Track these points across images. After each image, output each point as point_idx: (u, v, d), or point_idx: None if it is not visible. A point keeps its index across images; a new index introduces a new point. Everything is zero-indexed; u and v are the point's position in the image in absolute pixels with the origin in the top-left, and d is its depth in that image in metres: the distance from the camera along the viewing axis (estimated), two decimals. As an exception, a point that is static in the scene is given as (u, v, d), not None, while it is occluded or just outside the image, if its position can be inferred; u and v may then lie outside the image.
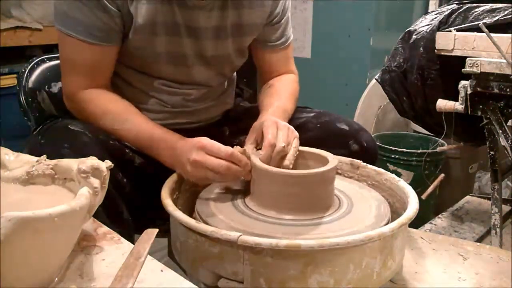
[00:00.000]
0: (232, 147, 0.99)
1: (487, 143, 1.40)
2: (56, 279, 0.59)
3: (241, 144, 1.05)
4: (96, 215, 0.74)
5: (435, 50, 1.41)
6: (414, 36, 1.47)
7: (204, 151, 0.86)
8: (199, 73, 1.09)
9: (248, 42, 1.14)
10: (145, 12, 0.97)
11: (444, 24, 1.41)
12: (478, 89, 1.31)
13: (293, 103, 1.14)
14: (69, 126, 0.91)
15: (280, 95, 1.13)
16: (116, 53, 1.02)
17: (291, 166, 0.90)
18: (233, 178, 0.88)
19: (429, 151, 2.01)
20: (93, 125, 0.96)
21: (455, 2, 1.48)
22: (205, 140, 0.87)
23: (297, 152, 0.92)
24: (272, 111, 1.05)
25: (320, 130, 1.10)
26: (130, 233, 0.89)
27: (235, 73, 1.26)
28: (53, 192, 0.65)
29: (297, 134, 0.93)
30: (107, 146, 0.91)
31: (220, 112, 1.19)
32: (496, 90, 1.29)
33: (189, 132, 1.02)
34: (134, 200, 0.92)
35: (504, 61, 1.24)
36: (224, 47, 1.09)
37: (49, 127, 0.99)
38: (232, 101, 1.24)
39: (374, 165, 1.02)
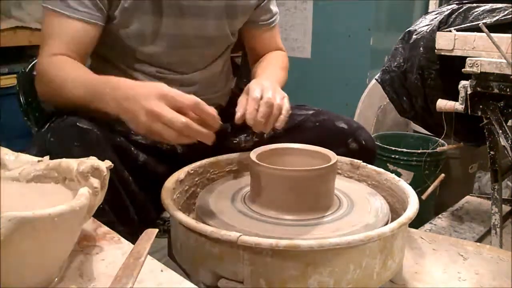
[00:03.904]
0: (232, 145, 0.98)
1: (487, 143, 1.40)
2: (56, 279, 0.59)
3: (240, 143, 1.04)
4: (103, 214, 0.73)
5: (435, 50, 1.41)
6: (414, 36, 1.47)
7: (164, 101, 0.76)
8: (187, 53, 1.09)
9: (241, 23, 1.16)
10: None
11: (444, 24, 1.41)
12: (478, 89, 1.31)
13: (283, 72, 1.16)
14: (77, 123, 0.91)
15: (271, 66, 1.15)
16: (98, 34, 1.00)
17: (280, 128, 0.88)
18: (192, 139, 0.78)
19: (429, 151, 2.01)
20: (50, 94, 0.95)
21: (455, 2, 1.48)
22: (166, 88, 0.78)
23: (289, 112, 0.90)
24: (263, 77, 1.05)
25: (319, 129, 1.10)
26: (136, 231, 0.89)
27: (231, 68, 1.25)
28: (53, 192, 0.65)
29: (284, 94, 0.91)
30: (114, 143, 0.91)
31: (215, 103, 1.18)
32: (496, 90, 1.29)
33: None
34: (138, 199, 0.92)
35: (504, 61, 1.24)
36: (215, 26, 1.09)
37: (57, 125, 0.99)
38: (226, 97, 1.24)
39: (373, 164, 1.02)
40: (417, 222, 1.26)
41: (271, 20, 1.22)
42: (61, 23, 0.97)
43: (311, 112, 1.14)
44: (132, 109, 0.79)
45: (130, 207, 0.90)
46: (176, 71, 1.10)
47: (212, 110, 0.78)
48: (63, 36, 0.98)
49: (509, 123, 1.37)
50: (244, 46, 1.27)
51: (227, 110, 1.22)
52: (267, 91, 0.87)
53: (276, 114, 0.87)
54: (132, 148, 0.97)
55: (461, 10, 1.41)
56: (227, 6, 1.09)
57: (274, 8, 1.23)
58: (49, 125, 1.05)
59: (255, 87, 0.88)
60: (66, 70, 0.95)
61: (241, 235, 0.70)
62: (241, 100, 0.90)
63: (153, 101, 0.76)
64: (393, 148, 2.05)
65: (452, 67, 1.39)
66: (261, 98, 0.86)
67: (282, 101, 0.89)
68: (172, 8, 1.02)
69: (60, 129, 0.94)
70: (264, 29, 1.22)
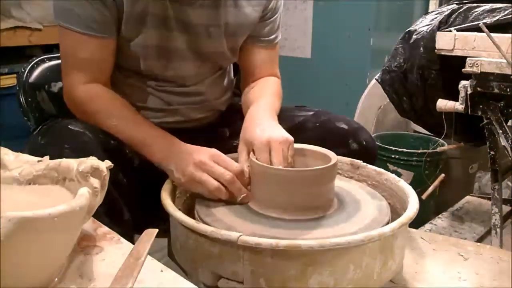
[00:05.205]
0: (231, 149, 0.99)
1: (487, 143, 1.40)
2: (56, 279, 0.59)
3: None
4: (96, 216, 0.74)
5: (435, 50, 1.41)
6: (414, 36, 1.47)
7: (214, 159, 0.86)
8: (188, 68, 1.09)
9: (241, 41, 1.14)
10: (136, 3, 0.97)
11: (444, 24, 1.41)
12: (478, 89, 1.31)
13: (278, 100, 1.12)
14: (69, 126, 0.91)
15: (265, 92, 1.11)
16: (114, 47, 1.01)
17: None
18: (229, 195, 0.86)
19: (430, 151, 2.01)
20: (92, 123, 0.97)
21: (455, 2, 1.48)
22: (219, 152, 0.88)
23: (291, 164, 0.89)
24: (257, 105, 1.03)
25: (320, 129, 1.10)
26: (130, 233, 0.89)
27: (232, 72, 1.25)
28: (53, 192, 0.65)
29: (291, 140, 0.89)
30: (107, 146, 0.91)
31: (216, 110, 1.19)
32: (496, 90, 1.29)
33: (189, 133, 1.02)
34: (134, 201, 0.92)
35: (504, 61, 1.24)
36: (217, 45, 1.09)
37: (49, 127, 0.99)
38: (227, 102, 1.24)
39: (374, 164, 1.02)
40: (417, 222, 1.27)
41: (268, 38, 1.16)
42: (78, 42, 0.97)
43: (311, 113, 1.14)
44: (182, 158, 0.88)
45: (124, 209, 0.89)
46: (178, 83, 1.10)
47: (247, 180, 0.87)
48: (83, 59, 0.99)
49: (509, 123, 1.37)
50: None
51: (226, 114, 1.22)
52: (274, 153, 0.86)
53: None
54: (127, 151, 0.97)
55: (461, 10, 1.41)
56: (228, 24, 1.08)
57: (276, 28, 1.17)
58: (41, 127, 1.05)
59: (262, 156, 0.87)
60: (103, 105, 0.99)
61: (241, 235, 0.70)
62: (243, 154, 0.91)
63: (204, 155, 0.86)
64: (393, 148, 2.05)
65: (452, 67, 1.39)
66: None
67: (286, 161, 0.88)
68: (177, 24, 1.02)
69: (52, 131, 0.94)
70: (260, 46, 1.16)
